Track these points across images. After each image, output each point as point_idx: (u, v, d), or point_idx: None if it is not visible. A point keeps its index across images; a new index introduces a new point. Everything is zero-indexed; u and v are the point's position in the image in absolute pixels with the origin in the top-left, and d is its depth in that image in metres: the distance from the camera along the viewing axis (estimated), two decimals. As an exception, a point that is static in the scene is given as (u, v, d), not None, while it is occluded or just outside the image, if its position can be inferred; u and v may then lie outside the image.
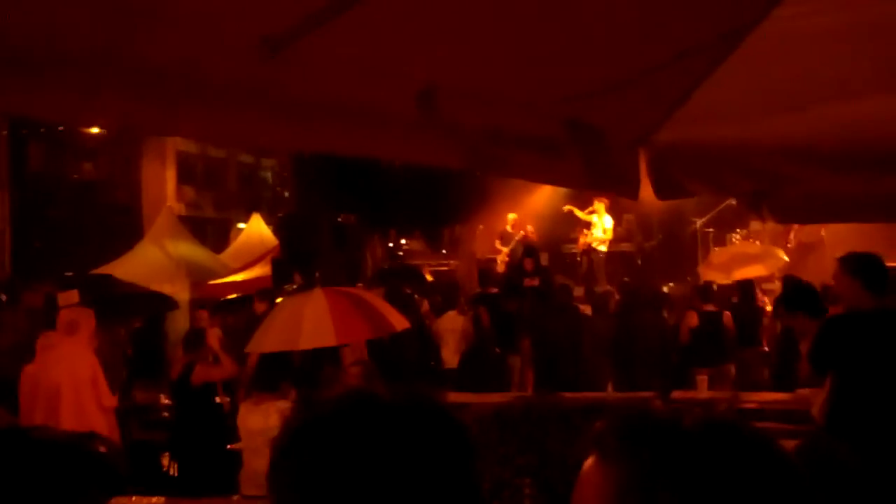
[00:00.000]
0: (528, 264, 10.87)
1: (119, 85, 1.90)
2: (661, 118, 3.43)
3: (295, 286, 9.70)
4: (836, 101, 2.97)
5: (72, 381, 5.50)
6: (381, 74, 2.37)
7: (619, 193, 3.56)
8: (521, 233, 13.69)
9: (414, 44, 2.37)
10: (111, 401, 5.75)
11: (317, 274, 6.72)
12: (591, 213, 13.24)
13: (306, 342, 5.38)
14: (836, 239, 10.40)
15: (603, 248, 13.40)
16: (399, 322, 5.69)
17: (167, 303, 9.89)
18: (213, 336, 6.79)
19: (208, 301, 10.53)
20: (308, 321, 5.37)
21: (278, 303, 6.28)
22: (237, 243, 13.71)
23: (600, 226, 13.31)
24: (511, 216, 13.95)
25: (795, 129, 3.12)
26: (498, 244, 13.91)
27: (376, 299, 5.95)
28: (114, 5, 1.81)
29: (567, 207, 13.48)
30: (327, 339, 5.35)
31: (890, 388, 3.84)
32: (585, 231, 13.50)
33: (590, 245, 13.39)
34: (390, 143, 2.55)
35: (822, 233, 11.33)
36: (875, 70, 2.89)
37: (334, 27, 2.08)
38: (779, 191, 3.89)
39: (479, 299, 9.42)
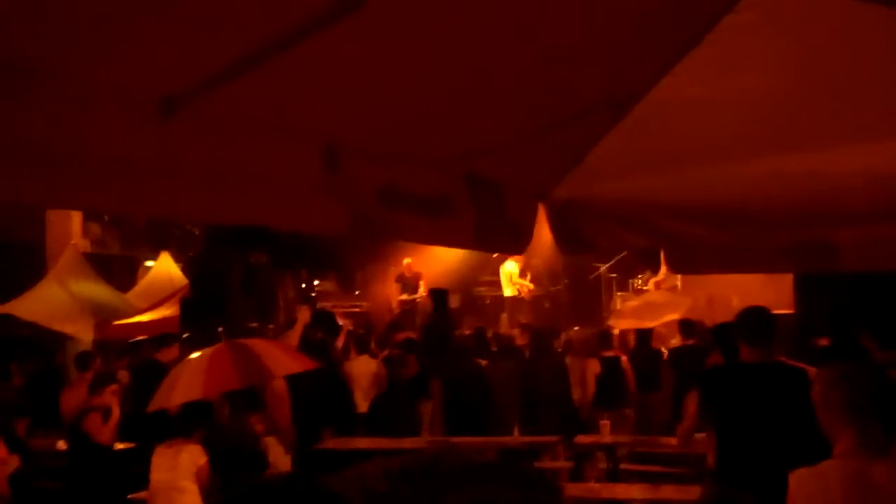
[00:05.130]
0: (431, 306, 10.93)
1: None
2: (559, 175, 3.59)
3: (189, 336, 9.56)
4: (718, 162, 3.18)
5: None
6: (278, 137, 2.40)
7: (507, 251, 3.68)
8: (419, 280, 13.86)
9: (315, 104, 2.43)
10: (2, 451, 5.53)
11: (220, 329, 6.69)
12: (518, 260, 13.57)
13: (178, 398, 5.40)
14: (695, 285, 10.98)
15: (525, 291, 13.77)
16: (288, 366, 5.78)
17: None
18: (109, 395, 6.69)
19: (111, 344, 10.26)
20: (185, 376, 5.43)
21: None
22: (144, 282, 13.37)
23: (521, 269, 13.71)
24: (406, 260, 14.05)
25: (681, 189, 3.32)
26: (395, 288, 14.02)
27: (270, 346, 6.02)
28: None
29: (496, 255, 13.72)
30: (195, 392, 5.38)
31: (755, 434, 4.05)
32: (514, 282, 13.77)
33: (527, 290, 13.74)
34: (278, 212, 2.56)
35: (678, 282, 11.91)
36: (752, 134, 3.11)
37: (230, 90, 2.11)
38: (672, 244, 4.10)
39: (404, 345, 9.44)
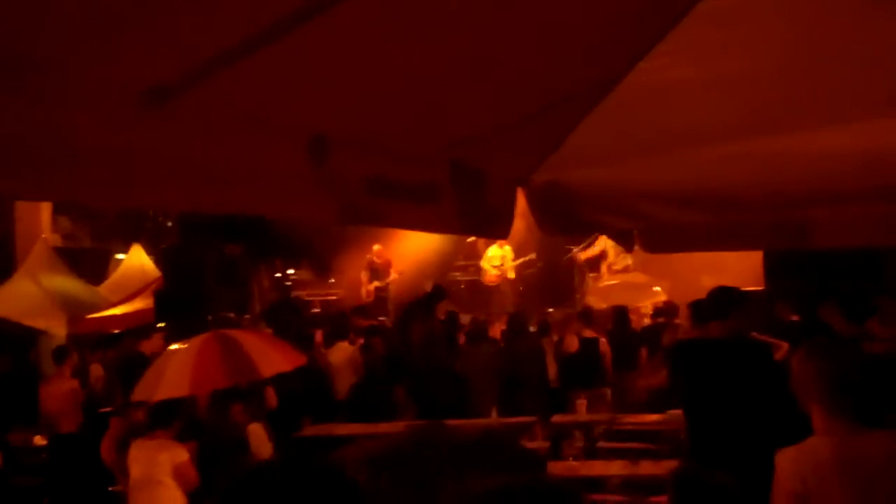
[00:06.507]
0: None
1: None
2: (539, 160, 3.65)
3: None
4: (693, 145, 3.24)
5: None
6: (266, 127, 2.41)
7: (492, 235, 3.73)
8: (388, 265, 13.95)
9: (302, 95, 2.45)
10: None
11: (209, 317, 6.64)
12: (501, 245, 13.65)
13: (162, 392, 5.35)
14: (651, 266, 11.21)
15: (513, 275, 13.90)
16: (277, 364, 5.75)
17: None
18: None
19: (85, 338, 10.21)
20: (171, 371, 5.38)
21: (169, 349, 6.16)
22: (116, 275, 13.29)
23: (508, 254, 13.78)
24: (375, 247, 14.08)
25: (657, 172, 3.39)
26: (364, 276, 14.04)
27: (261, 342, 5.97)
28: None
29: (471, 239, 13.80)
30: (182, 389, 5.34)
31: (720, 407, 4.17)
32: (492, 266, 13.86)
33: (506, 274, 13.84)
34: (266, 201, 2.56)
35: (629, 262, 12.13)
36: (727, 116, 3.19)
37: (218, 81, 2.12)
38: (647, 224, 4.18)
39: (371, 331, 9.50)
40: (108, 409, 7.02)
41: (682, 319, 8.61)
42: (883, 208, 3.26)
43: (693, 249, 4.84)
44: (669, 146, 3.33)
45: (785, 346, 5.05)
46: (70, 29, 1.83)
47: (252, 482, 1.27)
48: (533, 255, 14.01)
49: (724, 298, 4.38)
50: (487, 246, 14.09)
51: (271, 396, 6.98)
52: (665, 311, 9.41)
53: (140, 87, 2.06)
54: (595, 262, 13.38)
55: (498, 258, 13.92)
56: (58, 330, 10.65)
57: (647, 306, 10.77)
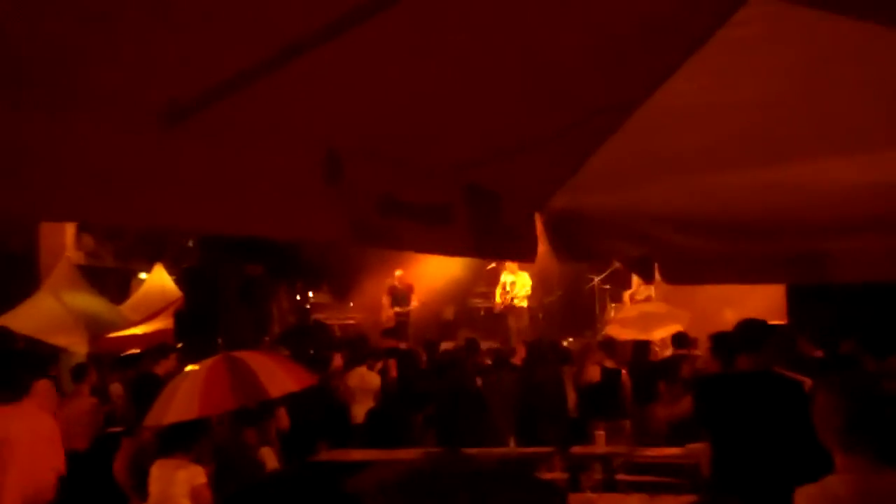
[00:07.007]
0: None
1: None
2: (556, 185, 3.63)
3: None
4: (713, 173, 3.21)
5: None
6: (280, 145, 2.40)
7: (514, 258, 3.70)
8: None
9: (317, 113, 2.44)
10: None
11: (220, 340, 6.62)
12: (513, 271, 13.56)
13: (172, 416, 5.33)
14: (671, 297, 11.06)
15: (525, 303, 13.72)
16: (285, 384, 5.71)
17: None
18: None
19: (105, 357, 10.25)
20: (181, 394, 5.37)
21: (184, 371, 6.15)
22: (138, 295, 13.37)
23: (520, 282, 13.63)
24: (398, 272, 14.07)
25: (677, 198, 3.35)
26: (385, 300, 14.02)
27: (269, 362, 5.94)
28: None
29: (491, 266, 13.76)
30: (191, 412, 5.32)
31: (750, 443, 4.08)
32: (503, 291, 13.77)
33: (511, 302, 13.70)
34: (280, 221, 2.51)
35: (652, 292, 12.00)
36: (747, 144, 3.15)
37: (234, 99, 2.10)
38: (666, 254, 4.14)
39: (386, 353, 9.48)
40: (118, 430, 7.02)
41: (701, 350, 8.51)
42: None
43: (713, 281, 4.77)
44: (689, 173, 3.29)
45: (808, 382, 4.96)
46: (89, 49, 1.84)
47: (254, 492, 1.26)
48: (528, 290, 13.83)
49: (755, 332, 4.31)
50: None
51: (283, 417, 6.95)
52: (685, 342, 9.31)
53: (156, 106, 2.06)
54: (617, 292, 13.28)
55: (508, 284, 13.82)
56: (79, 348, 10.70)
57: (665, 337, 10.66)
